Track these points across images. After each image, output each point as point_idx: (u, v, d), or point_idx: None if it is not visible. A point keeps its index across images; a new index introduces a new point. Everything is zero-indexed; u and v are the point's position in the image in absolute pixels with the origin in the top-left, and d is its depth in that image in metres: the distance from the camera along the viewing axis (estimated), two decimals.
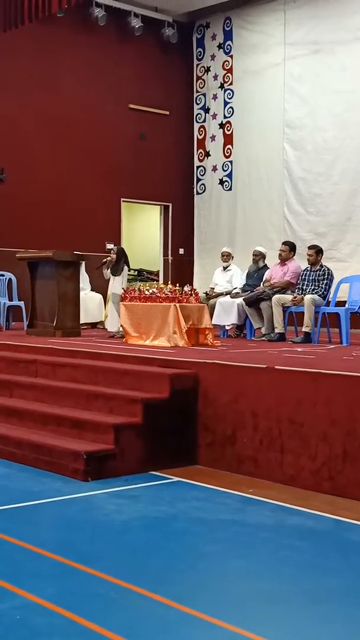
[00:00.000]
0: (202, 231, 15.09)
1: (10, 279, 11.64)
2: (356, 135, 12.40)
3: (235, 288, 10.52)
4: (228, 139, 14.55)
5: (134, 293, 8.83)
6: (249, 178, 14.14)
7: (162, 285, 8.89)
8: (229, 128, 14.53)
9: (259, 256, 10.51)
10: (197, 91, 15.15)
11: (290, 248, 9.99)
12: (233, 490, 5.37)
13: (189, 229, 15.22)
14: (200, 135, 15.11)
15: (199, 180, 15.14)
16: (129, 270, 10.29)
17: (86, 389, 6.61)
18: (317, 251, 9.48)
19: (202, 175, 15.07)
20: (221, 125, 14.67)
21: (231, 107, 14.48)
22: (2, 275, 11.71)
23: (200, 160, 15.10)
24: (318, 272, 9.38)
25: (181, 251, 15.26)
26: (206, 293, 10.76)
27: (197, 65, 15.14)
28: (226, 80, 14.55)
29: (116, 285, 9.82)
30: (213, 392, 6.14)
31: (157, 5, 14.42)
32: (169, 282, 9.27)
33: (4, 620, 3.17)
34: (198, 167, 15.16)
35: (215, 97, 14.78)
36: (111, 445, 5.72)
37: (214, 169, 14.80)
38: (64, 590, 3.51)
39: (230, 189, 14.49)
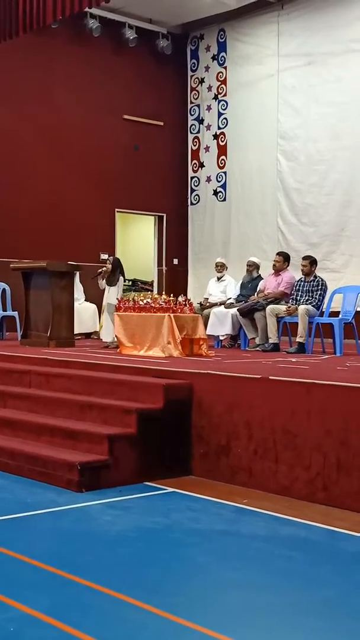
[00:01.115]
0: (196, 242, 15.12)
1: (4, 289, 11.63)
2: (349, 146, 12.46)
3: (230, 298, 10.54)
4: (222, 150, 14.61)
5: (128, 303, 8.83)
6: (242, 189, 14.19)
7: (156, 296, 8.90)
8: (223, 139, 14.59)
9: (252, 266, 10.54)
10: (191, 102, 15.21)
11: (284, 258, 10.02)
12: (227, 500, 5.36)
13: (183, 240, 15.24)
14: (195, 146, 15.17)
15: (193, 191, 15.19)
16: (124, 281, 10.28)
17: (80, 400, 6.60)
18: (311, 262, 9.51)
19: (196, 186, 15.12)
20: (215, 136, 14.73)
21: (225, 118, 14.54)
22: None
23: (195, 171, 15.15)
24: (312, 283, 9.40)
25: (175, 261, 15.29)
26: (200, 303, 10.77)
27: (191, 76, 15.21)
28: (220, 91, 14.62)
29: (111, 295, 9.82)
30: (207, 403, 6.14)
31: (152, 17, 14.49)
32: (163, 293, 9.28)
33: None
34: (192, 177, 15.20)
35: (209, 108, 14.84)
36: (105, 455, 5.71)
37: (208, 179, 14.85)
38: (58, 601, 3.50)
39: (224, 200, 14.54)
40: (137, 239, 17.04)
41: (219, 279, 11.09)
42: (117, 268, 10.00)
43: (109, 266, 10.01)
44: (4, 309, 11.57)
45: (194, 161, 15.16)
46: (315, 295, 9.31)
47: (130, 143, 14.52)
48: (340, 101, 12.56)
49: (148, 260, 15.73)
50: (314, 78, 12.98)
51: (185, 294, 10.97)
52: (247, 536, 4.58)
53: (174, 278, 15.12)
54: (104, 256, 12.02)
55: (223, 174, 14.56)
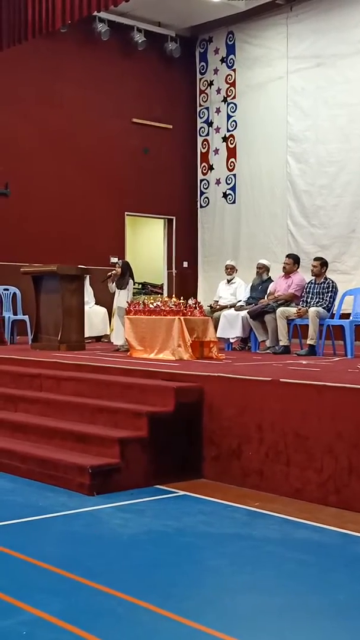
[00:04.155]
0: (206, 244, 15.12)
1: (14, 293, 11.67)
2: (359, 148, 12.43)
3: (240, 301, 10.53)
4: (231, 153, 14.60)
5: (138, 306, 8.83)
6: (252, 191, 14.17)
7: (166, 299, 8.90)
8: (232, 141, 14.58)
9: (262, 269, 10.53)
10: (200, 105, 15.21)
11: (294, 261, 10.00)
12: (239, 503, 5.35)
13: (192, 242, 15.24)
14: (204, 148, 15.16)
15: (202, 193, 15.18)
16: (134, 284, 10.29)
17: (91, 403, 6.61)
18: (322, 263, 9.48)
19: (206, 188, 15.11)
20: (224, 139, 14.72)
21: (234, 121, 14.54)
22: (7, 289, 11.75)
23: (204, 174, 15.14)
24: (322, 285, 9.38)
25: (185, 264, 15.28)
26: (210, 306, 10.77)
27: (200, 79, 15.20)
28: (229, 94, 14.61)
29: (121, 298, 9.82)
30: (218, 406, 6.13)
31: (160, 20, 14.51)
32: (173, 296, 9.27)
33: (11, 636, 3.16)
34: (202, 180, 15.19)
35: (218, 110, 14.84)
36: (116, 459, 5.71)
37: (218, 182, 14.84)
38: (71, 605, 3.49)
39: (233, 202, 14.53)
40: (146, 242, 17.05)
41: (229, 281, 11.08)
42: (127, 271, 10.01)
43: (119, 270, 10.01)
44: (15, 313, 11.60)
45: (203, 164, 15.16)
46: (326, 297, 9.28)
47: (139, 146, 14.53)
48: (349, 102, 12.53)
49: (158, 263, 15.74)
50: (323, 80, 12.96)
51: (195, 297, 10.93)
52: (259, 539, 4.56)
53: (184, 281, 15.12)
54: (114, 259, 12.03)
55: (232, 177, 14.55)
